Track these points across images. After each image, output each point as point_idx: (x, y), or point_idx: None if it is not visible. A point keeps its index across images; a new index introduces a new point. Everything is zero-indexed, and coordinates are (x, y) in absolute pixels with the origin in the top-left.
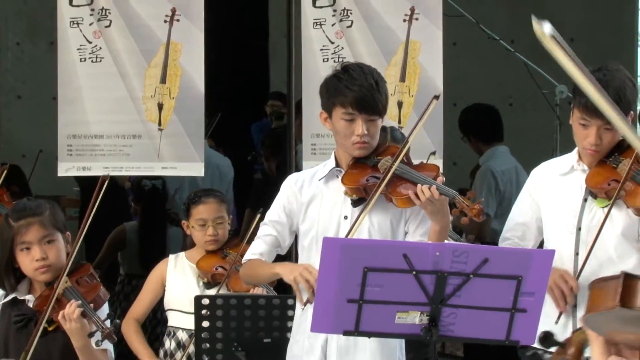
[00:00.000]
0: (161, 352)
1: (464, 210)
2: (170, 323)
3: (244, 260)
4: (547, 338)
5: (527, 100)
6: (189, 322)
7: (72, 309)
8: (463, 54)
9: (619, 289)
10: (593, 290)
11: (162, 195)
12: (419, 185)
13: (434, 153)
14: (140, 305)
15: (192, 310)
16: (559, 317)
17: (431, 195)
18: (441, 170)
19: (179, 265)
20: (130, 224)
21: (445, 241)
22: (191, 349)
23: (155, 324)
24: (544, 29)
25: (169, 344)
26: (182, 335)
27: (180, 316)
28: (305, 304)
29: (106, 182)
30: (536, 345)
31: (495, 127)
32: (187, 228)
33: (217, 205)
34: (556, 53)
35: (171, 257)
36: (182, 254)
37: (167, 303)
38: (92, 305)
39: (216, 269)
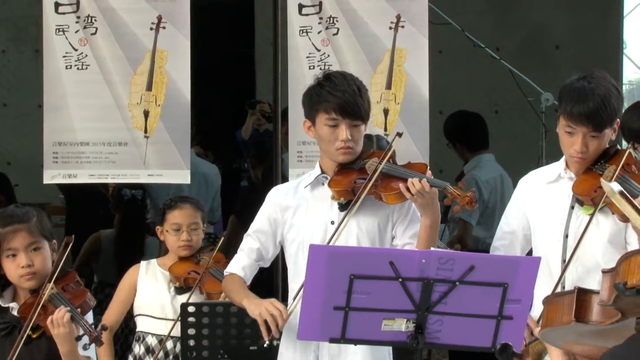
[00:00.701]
0: (130, 358)
1: (456, 199)
2: (139, 328)
3: (226, 272)
4: (505, 349)
5: (512, 108)
6: (159, 327)
7: (61, 313)
8: (449, 61)
9: (573, 304)
10: (547, 306)
11: (141, 205)
12: (409, 179)
13: (399, 135)
14: (113, 313)
15: (162, 315)
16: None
17: (422, 188)
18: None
19: (150, 270)
20: (105, 231)
21: (433, 248)
22: (161, 354)
23: (127, 333)
24: (614, 188)
25: (138, 349)
26: (152, 341)
27: (150, 321)
28: (270, 340)
29: (70, 245)
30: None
31: (480, 134)
32: (160, 234)
33: (193, 211)
34: (625, 207)
35: (143, 263)
36: (153, 261)
37: (137, 308)
38: (79, 310)
39: (189, 274)
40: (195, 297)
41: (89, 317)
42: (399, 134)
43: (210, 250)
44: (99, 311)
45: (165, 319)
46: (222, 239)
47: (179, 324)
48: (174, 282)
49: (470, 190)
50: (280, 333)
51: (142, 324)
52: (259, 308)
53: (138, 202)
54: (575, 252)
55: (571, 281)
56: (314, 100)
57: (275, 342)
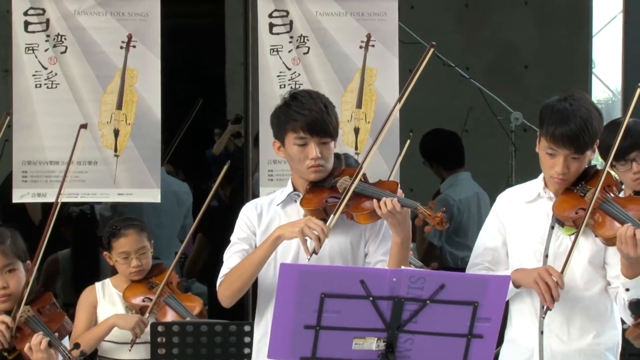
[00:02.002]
0: None
1: (427, 219)
2: (100, 353)
3: (219, 279)
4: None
5: (482, 127)
6: (119, 352)
7: (37, 340)
8: (419, 80)
9: None
10: None
11: (90, 220)
12: (382, 199)
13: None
14: (80, 330)
15: (122, 340)
16: (545, 312)
17: (393, 208)
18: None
19: (107, 294)
20: (62, 252)
21: (404, 267)
22: None
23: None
24: None
25: None
26: None
27: (111, 346)
28: (311, 254)
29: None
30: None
31: (456, 153)
32: (109, 259)
33: (138, 236)
34: None
35: (97, 285)
36: (107, 282)
37: None
38: (56, 334)
39: (143, 301)
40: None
41: (66, 340)
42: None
43: (164, 269)
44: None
45: (126, 343)
46: (176, 258)
47: (143, 345)
48: (130, 308)
49: (440, 211)
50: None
51: (102, 349)
52: (297, 226)
53: (87, 217)
54: (562, 273)
55: None
56: (282, 120)
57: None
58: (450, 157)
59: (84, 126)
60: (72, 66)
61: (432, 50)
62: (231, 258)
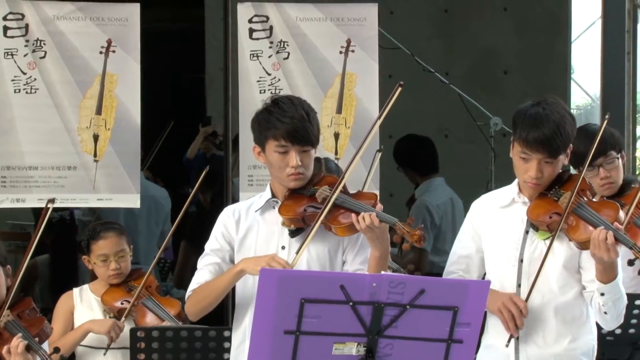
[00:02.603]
0: None
1: (405, 236)
2: (76, 358)
3: (188, 292)
4: None
5: (462, 132)
6: (95, 357)
7: (15, 343)
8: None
9: None
10: None
11: (70, 226)
12: (361, 213)
13: (380, 150)
14: (56, 336)
15: (100, 345)
16: (509, 340)
17: (371, 223)
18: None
19: (85, 299)
20: (40, 257)
21: (383, 272)
22: None
23: None
24: None
25: None
26: None
27: (89, 352)
28: None
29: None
30: None
31: (430, 158)
32: (88, 263)
33: (117, 239)
34: None
35: (75, 290)
36: (86, 287)
37: None
38: (37, 339)
39: (121, 304)
40: (131, 327)
41: (46, 345)
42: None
43: (143, 274)
44: None
45: (102, 348)
46: (153, 263)
47: (123, 351)
48: (108, 312)
49: (418, 228)
50: None
51: (80, 356)
52: (260, 264)
53: (67, 223)
54: (536, 279)
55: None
56: (263, 127)
57: None
58: (424, 163)
59: (51, 201)
60: (51, 71)
61: (399, 89)
62: (201, 271)
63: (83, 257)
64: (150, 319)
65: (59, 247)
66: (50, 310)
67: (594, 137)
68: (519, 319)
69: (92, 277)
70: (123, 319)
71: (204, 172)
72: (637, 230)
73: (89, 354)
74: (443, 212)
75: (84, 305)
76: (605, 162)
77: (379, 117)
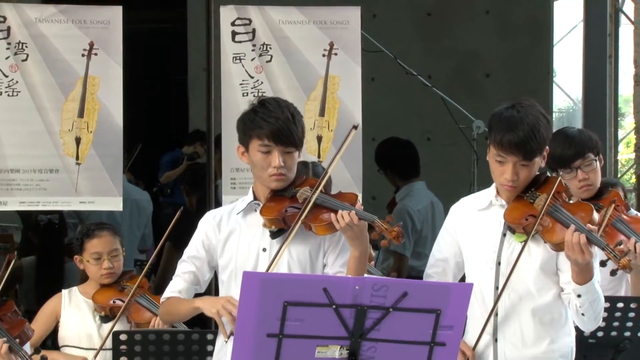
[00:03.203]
0: None
1: (383, 233)
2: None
3: (162, 298)
4: None
5: (444, 135)
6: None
7: None
8: (381, 89)
9: None
10: None
11: (58, 229)
12: (339, 211)
13: (355, 127)
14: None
15: (89, 345)
16: None
17: (350, 221)
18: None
19: (73, 300)
20: (26, 259)
21: (366, 275)
22: None
23: None
24: None
25: None
26: None
27: (77, 352)
28: (228, 337)
29: (12, 262)
30: None
31: (411, 162)
32: (79, 263)
33: (111, 238)
34: None
35: (64, 292)
36: (75, 289)
37: (62, 339)
38: (17, 340)
39: (114, 302)
40: (122, 326)
41: (27, 347)
42: (355, 127)
43: (134, 276)
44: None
45: (93, 349)
46: (147, 264)
47: (104, 352)
48: (98, 311)
49: (397, 225)
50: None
51: (68, 355)
52: (215, 306)
53: (55, 227)
54: (507, 280)
55: (504, 308)
56: (248, 127)
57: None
58: (406, 167)
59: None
60: (33, 74)
61: (354, 131)
62: (177, 278)
63: (75, 257)
64: (144, 315)
65: (45, 249)
66: (33, 312)
67: (572, 141)
68: None
69: (82, 279)
70: (118, 315)
71: (178, 212)
72: (616, 233)
73: (78, 354)
74: (424, 217)
75: (72, 307)
76: (583, 165)
77: (334, 157)
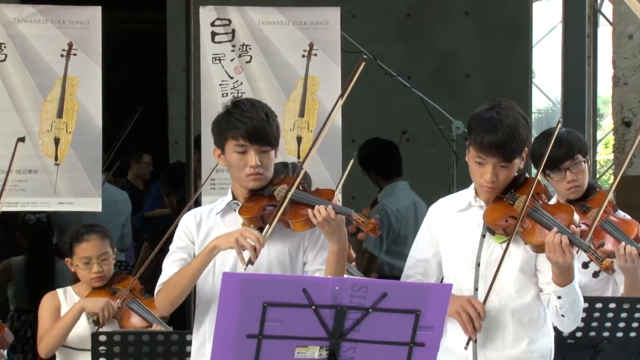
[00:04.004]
0: None
1: (360, 226)
2: (58, 359)
3: (157, 287)
4: None
5: (424, 136)
6: (78, 359)
7: None
8: (361, 89)
9: None
10: None
11: (47, 228)
12: (315, 206)
13: (353, 157)
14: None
15: (82, 347)
16: (467, 343)
17: (327, 215)
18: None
19: (69, 300)
20: (16, 258)
21: (346, 275)
22: None
23: None
24: None
25: None
26: None
27: (69, 352)
28: (247, 264)
29: None
30: None
31: (394, 162)
32: (71, 265)
33: (100, 242)
34: None
35: (59, 291)
36: (69, 289)
37: None
38: None
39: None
40: (114, 328)
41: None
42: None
43: (125, 277)
44: (17, 339)
45: (85, 350)
46: (141, 268)
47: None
48: (90, 315)
49: (374, 217)
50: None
51: (61, 356)
52: (233, 236)
53: (44, 226)
54: (493, 282)
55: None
56: (223, 128)
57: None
58: (388, 167)
59: (21, 139)
60: (12, 74)
61: (363, 63)
62: (169, 267)
63: (65, 260)
64: (135, 321)
65: (35, 249)
66: (25, 311)
67: (561, 142)
68: (477, 321)
69: (74, 279)
70: (117, 302)
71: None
72: (604, 234)
73: (70, 355)
74: (403, 217)
75: (69, 306)
76: (572, 166)
77: (342, 96)
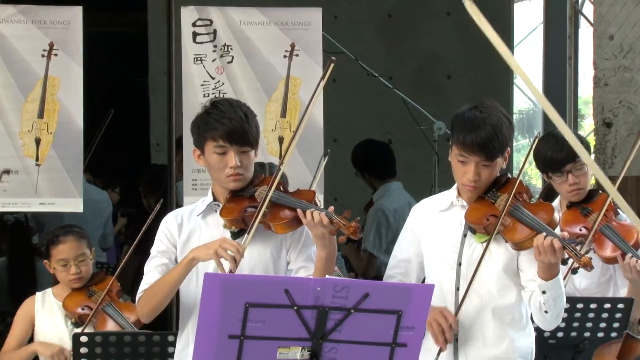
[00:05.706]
0: None
1: (341, 229)
2: None
3: (138, 294)
4: None
5: (405, 136)
6: None
7: None
8: (343, 90)
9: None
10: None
11: (26, 228)
12: (308, 210)
13: (326, 154)
14: (14, 340)
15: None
16: (438, 354)
17: (320, 221)
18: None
19: (47, 303)
20: None
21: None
22: None
23: None
24: None
25: None
26: None
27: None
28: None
29: None
30: None
31: (387, 163)
32: (49, 267)
33: (77, 243)
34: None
35: (38, 294)
36: (49, 291)
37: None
38: None
39: (82, 309)
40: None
41: None
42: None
43: (104, 278)
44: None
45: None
46: (119, 268)
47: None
48: (69, 317)
49: (355, 220)
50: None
51: (42, 359)
52: (211, 248)
53: (23, 226)
54: (472, 280)
55: (465, 309)
56: (202, 129)
57: None
58: (382, 167)
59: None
60: None
61: (332, 65)
62: (150, 272)
63: (44, 262)
64: (110, 326)
65: (15, 250)
66: (7, 313)
67: (563, 144)
68: (448, 333)
69: (55, 280)
70: (85, 324)
71: (157, 206)
72: (604, 239)
73: None
74: (400, 216)
75: (46, 310)
76: (574, 169)
77: (310, 100)
